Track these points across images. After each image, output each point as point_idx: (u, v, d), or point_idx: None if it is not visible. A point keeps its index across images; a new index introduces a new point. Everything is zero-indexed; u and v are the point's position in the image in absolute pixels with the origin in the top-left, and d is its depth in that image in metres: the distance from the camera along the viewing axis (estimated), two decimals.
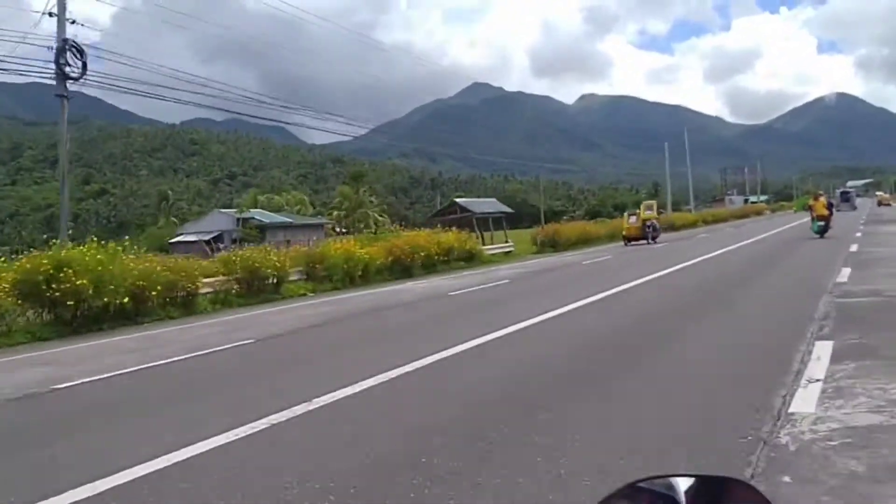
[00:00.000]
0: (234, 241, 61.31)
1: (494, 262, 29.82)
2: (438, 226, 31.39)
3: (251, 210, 74.53)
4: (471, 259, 28.78)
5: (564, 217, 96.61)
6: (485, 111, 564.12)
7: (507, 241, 35.77)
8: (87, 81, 19.12)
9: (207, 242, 67.57)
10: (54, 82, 18.66)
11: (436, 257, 26.26)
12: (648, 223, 35.89)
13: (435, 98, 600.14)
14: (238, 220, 69.76)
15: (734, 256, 22.78)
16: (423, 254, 25.33)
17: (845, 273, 15.01)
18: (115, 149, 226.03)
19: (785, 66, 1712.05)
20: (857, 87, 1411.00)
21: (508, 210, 42.24)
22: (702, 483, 1.25)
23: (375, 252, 23.08)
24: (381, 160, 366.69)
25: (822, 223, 28.50)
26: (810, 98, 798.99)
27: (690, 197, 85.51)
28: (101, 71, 21.08)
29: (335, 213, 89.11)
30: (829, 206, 29.85)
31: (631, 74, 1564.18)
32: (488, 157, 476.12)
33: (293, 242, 64.41)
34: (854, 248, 22.10)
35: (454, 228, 29.84)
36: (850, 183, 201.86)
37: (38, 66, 20.39)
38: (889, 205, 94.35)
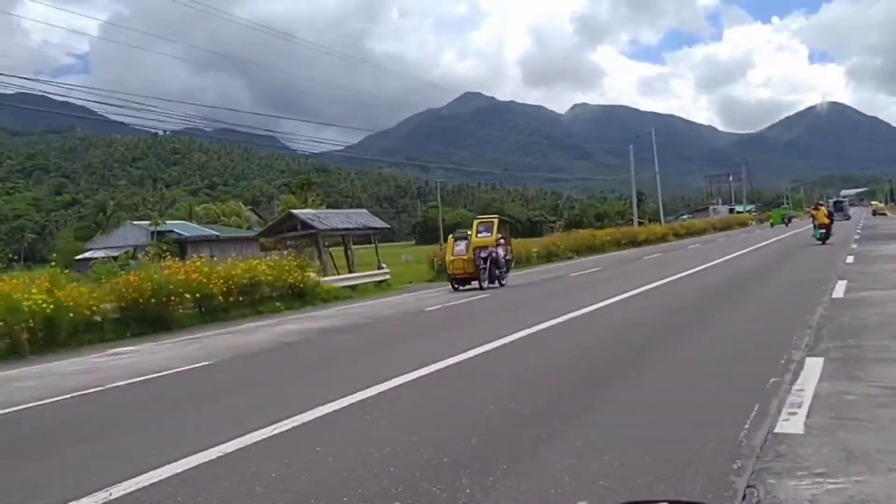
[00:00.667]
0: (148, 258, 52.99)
1: (343, 300, 20.94)
2: (260, 249, 22.41)
3: (170, 223, 65.54)
4: (302, 296, 19.96)
5: (547, 228, 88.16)
6: (477, 121, 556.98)
7: (380, 267, 26.37)
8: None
9: (116, 259, 59.16)
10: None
11: (221, 299, 17.47)
12: (485, 253, 21.80)
13: (427, 108, 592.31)
14: (153, 233, 60.96)
15: (634, 307, 13.98)
16: (195, 295, 16.57)
17: (811, 377, 6.39)
18: (95, 158, 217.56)
19: (777, 76, 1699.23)
20: (849, 96, 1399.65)
21: (381, 225, 31.55)
22: None
23: (82, 297, 14.19)
24: (371, 170, 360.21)
25: (822, 230, 31.55)
26: (802, 107, 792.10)
27: (660, 207, 76.04)
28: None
29: None
30: (830, 216, 32.82)
31: (623, 84, 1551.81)
32: (480, 166, 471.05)
33: (219, 259, 55.70)
34: (839, 290, 13.45)
35: (290, 250, 21.05)
36: (843, 192, 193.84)
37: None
38: (885, 214, 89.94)
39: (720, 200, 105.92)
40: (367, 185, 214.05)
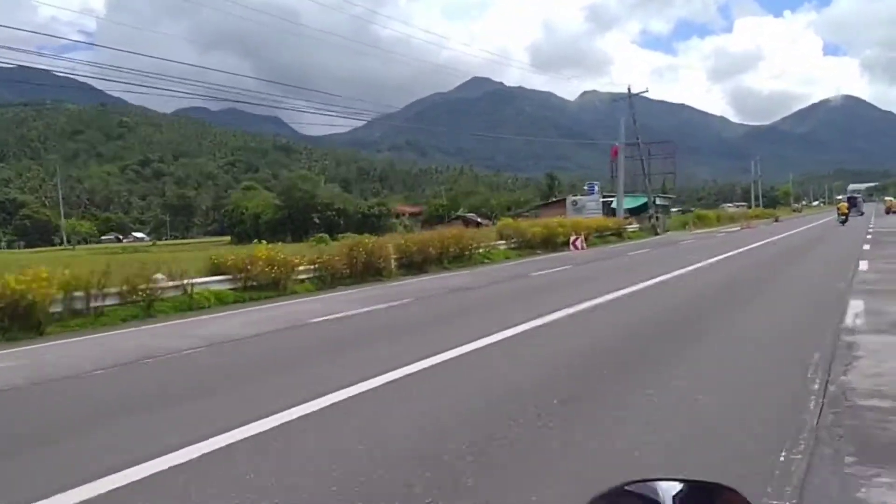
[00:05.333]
0: None
1: None
2: None
3: None
4: None
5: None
6: (483, 106, 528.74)
7: None
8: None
9: None
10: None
11: None
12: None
13: (434, 92, 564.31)
14: None
15: None
16: None
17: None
18: (33, 131, 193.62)
19: (790, 68, 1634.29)
20: (863, 89, 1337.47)
21: None
22: (690, 488, 1.18)
23: None
24: (371, 152, 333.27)
25: (843, 217, 47.01)
26: (816, 100, 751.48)
27: None
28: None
29: None
30: (850, 207, 52.90)
31: (634, 72, 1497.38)
32: (484, 152, 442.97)
33: None
34: None
35: None
36: (851, 186, 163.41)
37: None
38: None
39: (595, 187, 56.85)
40: (327, 167, 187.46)
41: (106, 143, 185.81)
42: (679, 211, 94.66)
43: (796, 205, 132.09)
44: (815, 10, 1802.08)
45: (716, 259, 20.86)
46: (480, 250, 25.69)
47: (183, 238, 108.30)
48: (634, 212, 51.83)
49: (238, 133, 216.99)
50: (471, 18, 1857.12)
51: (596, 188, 55.45)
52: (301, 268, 17.58)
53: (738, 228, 48.82)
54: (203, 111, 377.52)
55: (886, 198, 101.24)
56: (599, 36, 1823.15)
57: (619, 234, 39.12)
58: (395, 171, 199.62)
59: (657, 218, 48.70)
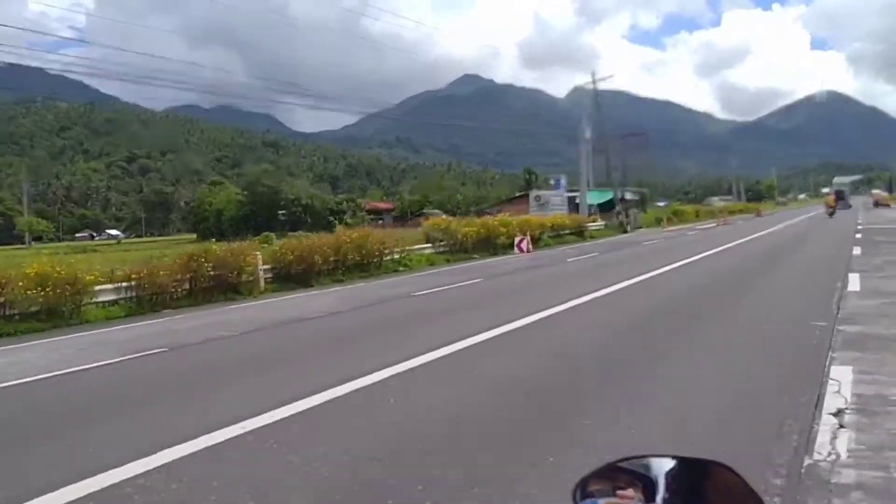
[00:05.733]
0: None
1: None
2: None
3: None
4: None
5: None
6: (474, 103, 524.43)
7: None
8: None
9: None
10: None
11: None
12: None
13: (425, 89, 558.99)
14: None
15: None
16: None
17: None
18: (22, 128, 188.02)
19: (777, 62, 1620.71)
20: (849, 84, 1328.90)
21: None
22: (683, 465, 1.14)
23: None
24: (363, 149, 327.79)
25: (831, 210, 46.13)
26: (801, 95, 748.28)
27: None
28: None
29: None
30: (837, 200, 51.14)
31: (623, 69, 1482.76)
32: (474, 148, 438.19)
33: None
34: None
35: None
36: (836, 179, 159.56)
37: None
38: (888, 206, 67.96)
39: (561, 181, 51.89)
40: (314, 164, 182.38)
41: (93, 140, 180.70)
42: (666, 205, 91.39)
43: (782, 199, 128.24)
44: (804, 2, 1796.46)
45: (665, 269, 16.41)
46: (395, 256, 21.19)
47: (159, 235, 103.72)
48: (604, 207, 47.55)
49: (227, 129, 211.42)
50: (459, 15, 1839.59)
51: (562, 182, 51.25)
52: (106, 286, 13.01)
53: (714, 225, 44.45)
54: (196, 109, 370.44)
55: (874, 190, 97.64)
56: (588, 31, 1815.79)
57: (580, 234, 34.53)
58: (382, 167, 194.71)
59: (626, 214, 43.78)
